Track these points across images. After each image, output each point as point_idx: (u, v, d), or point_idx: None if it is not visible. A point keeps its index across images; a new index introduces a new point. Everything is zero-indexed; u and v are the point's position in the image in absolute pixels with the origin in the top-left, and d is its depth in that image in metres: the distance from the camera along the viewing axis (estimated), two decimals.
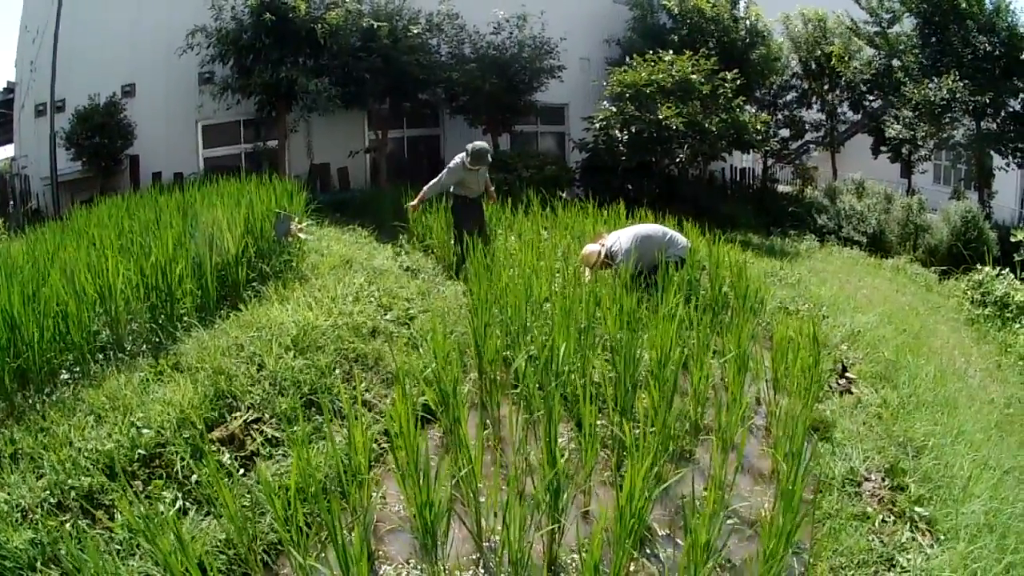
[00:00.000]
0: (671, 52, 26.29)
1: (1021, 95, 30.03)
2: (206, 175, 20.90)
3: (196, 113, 23.86)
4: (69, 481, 6.86)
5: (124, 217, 14.02)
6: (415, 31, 23.71)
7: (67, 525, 6.38)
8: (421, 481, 6.29)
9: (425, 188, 14.69)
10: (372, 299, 11.17)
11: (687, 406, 8.60)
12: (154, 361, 9.00)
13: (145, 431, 7.45)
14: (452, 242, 14.67)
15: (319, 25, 21.84)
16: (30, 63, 24.84)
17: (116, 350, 9.46)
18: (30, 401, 8.37)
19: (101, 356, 9.28)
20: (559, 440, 7.18)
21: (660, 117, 24.28)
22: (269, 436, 7.75)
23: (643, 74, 25.33)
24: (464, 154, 14.73)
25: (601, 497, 6.66)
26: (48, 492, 6.77)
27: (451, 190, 14.86)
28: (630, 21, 31.29)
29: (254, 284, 11.50)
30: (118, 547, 6.14)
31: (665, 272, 11.13)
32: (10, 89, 26.28)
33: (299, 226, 13.56)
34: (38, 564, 6.02)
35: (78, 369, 8.97)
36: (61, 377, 8.84)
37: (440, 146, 28.36)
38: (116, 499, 6.56)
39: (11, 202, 24.34)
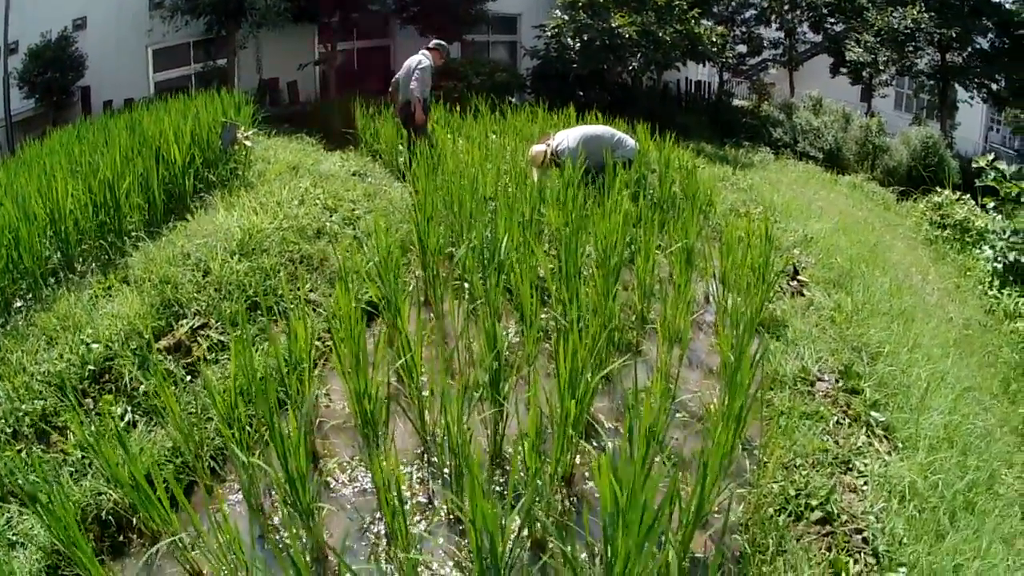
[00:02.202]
0: None
1: (989, 35, 29.89)
2: (157, 97, 20.16)
3: (146, 38, 23.19)
4: (23, 407, 6.68)
5: (74, 144, 13.66)
6: None
7: (22, 453, 6.23)
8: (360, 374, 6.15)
9: (418, 99, 14.27)
10: (317, 202, 10.92)
11: (632, 298, 8.42)
12: (103, 277, 8.79)
13: (94, 347, 7.25)
14: (412, 146, 14.26)
15: None
16: None
17: (67, 272, 9.21)
18: None
19: (52, 280, 9.05)
20: (503, 333, 6.90)
21: (613, 25, 23.99)
22: (215, 341, 7.58)
23: None
24: (429, 52, 14.59)
25: (546, 388, 6.40)
26: (4, 421, 6.60)
27: (420, 96, 14.46)
28: None
29: (201, 194, 11.26)
30: (71, 469, 6.01)
31: (613, 172, 10.94)
32: None
33: (245, 134, 13.23)
34: None
35: (31, 296, 8.77)
36: (15, 306, 8.62)
37: (391, 57, 27.81)
38: (69, 419, 6.40)
39: None
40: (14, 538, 5.50)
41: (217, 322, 7.82)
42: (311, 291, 8.69)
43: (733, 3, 33.72)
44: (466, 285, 8.48)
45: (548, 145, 12.09)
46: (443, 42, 15.30)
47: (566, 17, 25.14)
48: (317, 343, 7.53)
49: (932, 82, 30.88)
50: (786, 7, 33.73)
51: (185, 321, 7.79)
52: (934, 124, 30.91)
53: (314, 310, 8.29)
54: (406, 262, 9.31)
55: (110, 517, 5.60)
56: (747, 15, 34.59)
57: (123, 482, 5.33)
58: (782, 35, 34.98)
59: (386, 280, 7.73)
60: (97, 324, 7.61)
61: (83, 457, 6.07)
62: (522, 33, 30.18)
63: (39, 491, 5.24)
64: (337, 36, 25.29)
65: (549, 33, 25.68)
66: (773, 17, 34.29)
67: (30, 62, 21.55)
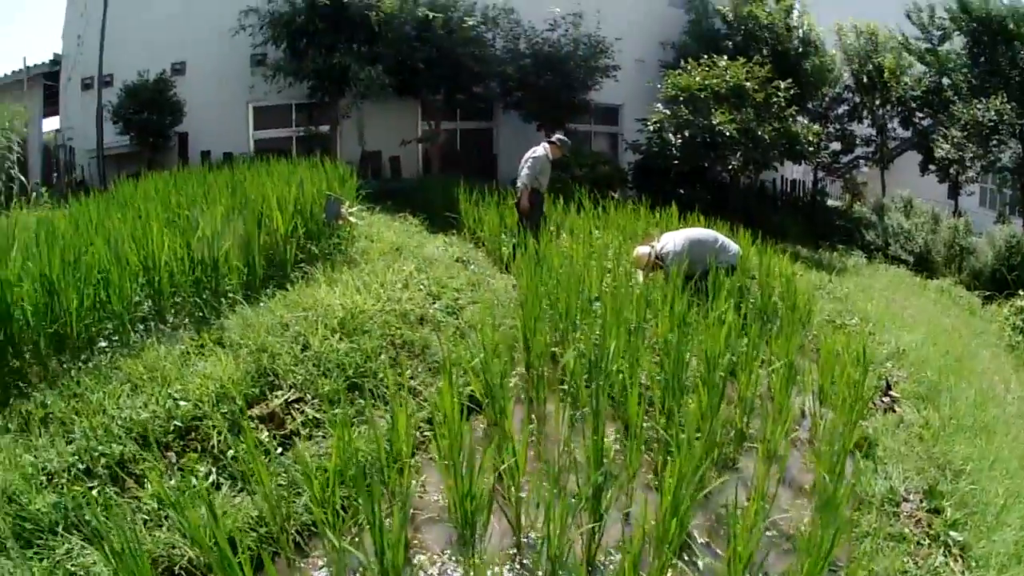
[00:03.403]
0: (725, 58, 26.35)
1: None
2: (256, 156, 20.93)
3: (247, 94, 24.18)
4: (100, 448, 6.88)
5: (172, 191, 14.08)
6: (470, 23, 23.87)
7: (94, 491, 6.41)
8: (464, 471, 6.28)
9: (527, 184, 15.02)
10: (421, 287, 11.18)
11: (733, 413, 8.52)
12: (196, 335, 9.07)
13: (183, 403, 7.47)
14: (518, 233, 14.69)
15: (374, 12, 22.10)
16: (77, 37, 25.06)
17: (157, 321, 9.56)
18: (65, 366, 8.41)
19: (141, 327, 9.35)
20: (596, 440, 7.04)
21: (714, 123, 24.26)
22: (310, 417, 7.80)
23: (697, 78, 25.28)
24: (547, 145, 15.27)
25: (643, 500, 6.48)
26: (77, 457, 6.80)
27: (528, 183, 15.05)
28: (685, 25, 31.29)
29: (302, 265, 11.54)
30: (145, 517, 6.21)
31: (716, 278, 11.07)
32: (56, 62, 26.60)
33: (350, 210, 13.51)
34: (60, 528, 6.07)
35: (117, 338, 8.99)
36: (99, 345, 8.85)
37: (493, 140, 28.54)
38: (147, 469, 6.63)
39: (55, 173, 24.74)
40: (73, 569, 5.71)
41: (313, 398, 8.04)
42: (411, 378, 8.82)
43: (827, 99, 33.78)
44: (571, 390, 8.58)
45: (652, 247, 12.25)
46: (565, 138, 15.93)
47: (668, 112, 25.53)
48: (414, 432, 7.65)
49: (1015, 176, 30.66)
50: (877, 102, 33.76)
51: (280, 393, 8.03)
52: (1017, 220, 30.78)
53: (414, 398, 8.43)
54: (510, 358, 9.37)
55: (181, 572, 5.79)
56: (840, 111, 34.64)
57: (202, 542, 5.47)
58: (873, 132, 34.85)
59: (492, 379, 7.87)
60: (187, 381, 7.81)
61: (159, 508, 6.24)
62: (623, 124, 30.82)
63: (108, 531, 5.46)
64: (441, 115, 25.91)
65: (651, 128, 26.14)
66: (865, 113, 34.31)
67: (126, 99, 22.41)
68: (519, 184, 15.28)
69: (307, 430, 7.64)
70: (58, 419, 7.40)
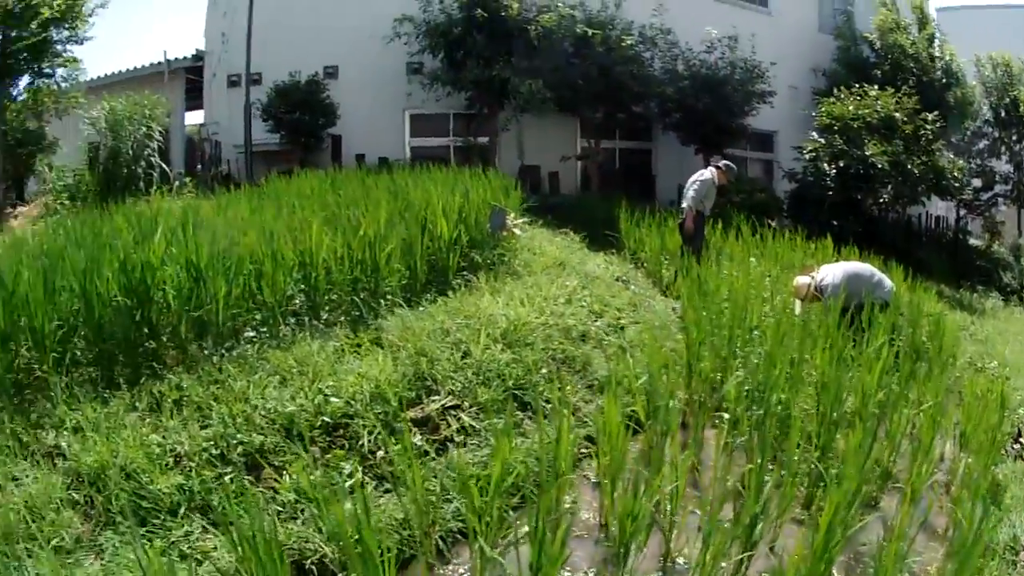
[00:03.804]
0: (876, 87, 25.95)
1: None
2: (412, 163, 21.27)
3: (404, 101, 24.47)
4: (239, 436, 6.91)
5: (327, 192, 14.24)
6: (628, 42, 23.72)
7: (227, 478, 6.48)
8: (627, 490, 6.17)
9: (692, 206, 14.95)
10: (583, 304, 11.15)
11: (882, 453, 8.21)
12: (352, 333, 9.18)
13: (334, 400, 7.50)
14: (681, 256, 14.54)
15: (532, 26, 22.20)
16: (221, 35, 25.79)
17: (311, 317, 9.67)
18: (206, 352, 8.50)
19: (293, 320, 9.50)
20: (750, 470, 6.88)
21: (867, 154, 24.00)
22: (465, 424, 7.74)
23: (850, 107, 25.07)
24: (714, 169, 15.31)
25: (790, 534, 6.60)
26: (212, 443, 6.85)
27: (693, 205, 14.98)
28: (835, 52, 31.06)
29: (463, 272, 11.58)
30: (279, 508, 6.27)
31: (871, 313, 10.88)
32: (199, 57, 27.31)
33: (514, 221, 13.52)
34: (182, 510, 6.21)
35: (265, 330, 9.07)
36: (245, 334, 8.93)
37: (651, 161, 28.35)
38: (290, 461, 6.64)
39: (199, 165, 25.37)
40: (189, 551, 5.79)
41: (471, 406, 7.97)
42: (571, 394, 8.65)
43: (968, 133, 32.90)
44: (726, 416, 8.31)
45: (812, 277, 12.09)
46: (731, 164, 15.94)
47: (822, 141, 25.25)
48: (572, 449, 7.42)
49: None
50: (1014, 137, 32.78)
51: (437, 398, 7.98)
52: None
53: (573, 414, 8.16)
54: (676, 382, 9.16)
55: (313, 567, 5.78)
56: (980, 146, 33.61)
57: (344, 539, 5.34)
58: (1011, 169, 33.63)
59: (657, 400, 7.77)
60: (340, 378, 7.84)
61: (296, 501, 6.23)
62: (778, 151, 30.54)
63: (239, 518, 5.41)
64: (600, 133, 25.83)
65: (807, 156, 25.77)
66: (1003, 149, 33.27)
67: (276, 98, 22.98)
68: (684, 206, 15.22)
69: (461, 437, 7.61)
70: (194, 403, 7.47)
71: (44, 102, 23.10)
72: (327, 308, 9.93)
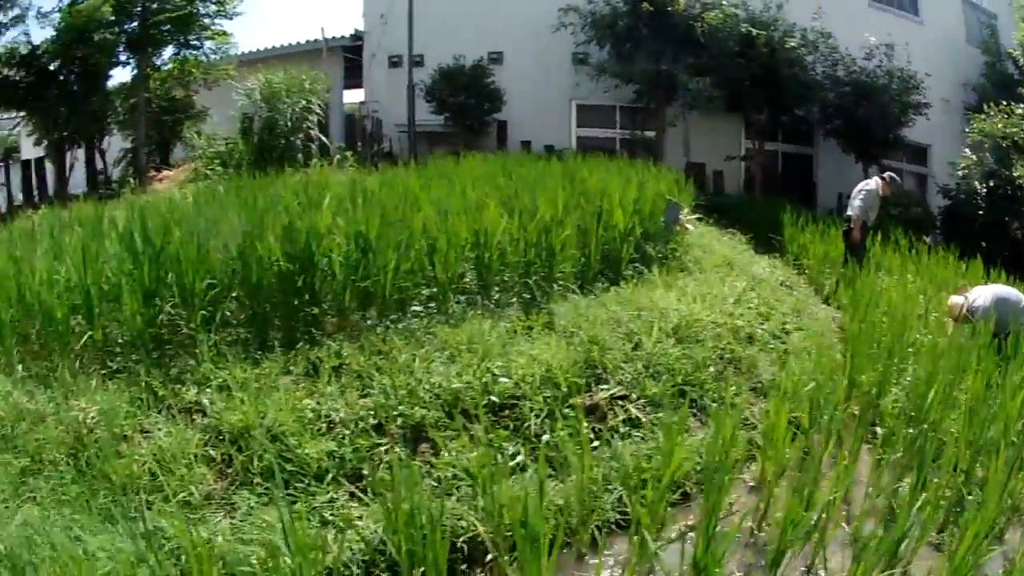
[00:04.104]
0: (1022, 106, 24.99)
1: None
2: (578, 152, 20.94)
3: (571, 91, 24.61)
4: (400, 408, 6.97)
5: (498, 175, 14.31)
6: (792, 44, 23.56)
7: (381, 448, 6.66)
8: (787, 496, 6.24)
9: (856, 217, 14.86)
10: (751, 306, 11.11)
11: (1016, 484, 7.89)
12: (524, 316, 9.27)
13: (503, 380, 7.53)
14: (844, 265, 14.58)
15: (698, 23, 22.08)
16: (380, 16, 26.41)
17: (481, 296, 9.79)
18: (369, 322, 8.61)
19: (462, 298, 9.61)
20: (898, 488, 7.15)
21: (1015, 175, 23.26)
22: (632, 416, 7.70)
23: (998, 125, 24.28)
24: (879, 180, 15.18)
25: (925, 556, 6.47)
26: (370, 412, 6.94)
27: (859, 215, 14.85)
28: (982, 66, 30.09)
29: (635, 264, 11.60)
30: (435, 483, 6.35)
31: (1016, 339, 10.54)
32: (358, 37, 27.85)
33: (687, 217, 13.50)
34: (329, 476, 6.38)
35: (433, 305, 9.18)
36: (412, 308, 9.04)
37: (812, 167, 28.01)
38: (450, 437, 6.71)
39: (359, 141, 25.78)
40: (331, 518, 5.94)
41: (638, 398, 7.94)
42: (736, 395, 8.48)
43: None
44: (887, 434, 8.18)
45: (965, 298, 11.90)
46: (895, 176, 15.83)
47: (974, 158, 24.57)
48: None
49: None
50: None
51: (606, 387, 7.96)
52: None
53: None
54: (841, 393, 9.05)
55: (464, 546, 5.81)
56: None
57: (509, 521, 5.43)
58: None
59: (822, 411, 7.83)
60: (511, 359, 7.88)
61: (453, 478, 6.28)
62: (931, 165, 29.81)
63: (393, 489, 5.44)
64: (763, 135, 25.68)
65: (959, 173, 24.97)
66: None
67: (441, 81, 23.37)
68: (850, 215, 15.12)
69: (626, 428, 7.57)
70: (354, 371, 7.59)
71: (191, 72, 23.99)
72: (498, 289, 10.01)
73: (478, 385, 7.40)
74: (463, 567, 5.78)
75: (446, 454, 6.63)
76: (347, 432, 6.79)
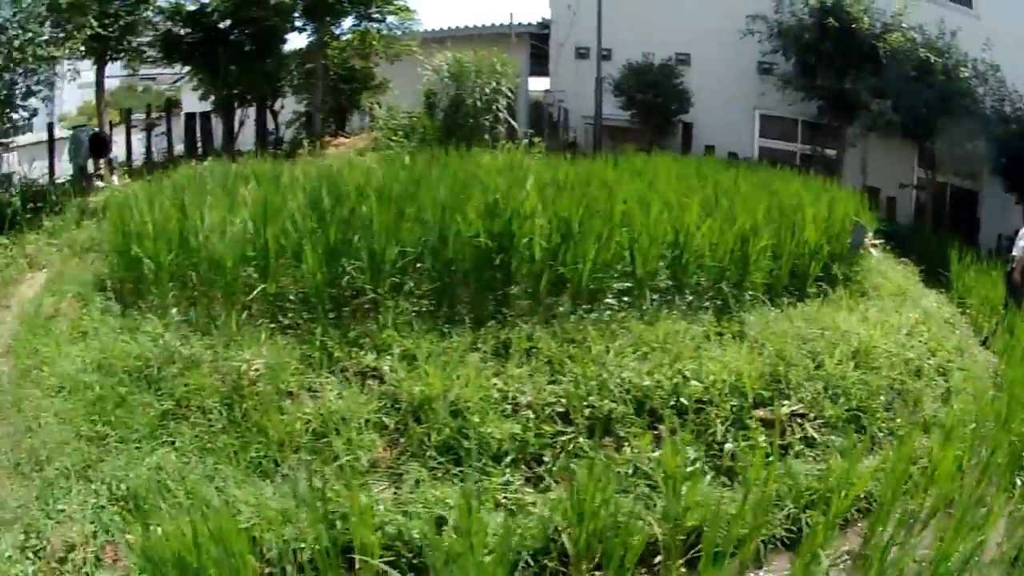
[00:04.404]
0: None
1: None
2: (759, 162, 21.18)
3: (755, 100, 24.38)
4: (590, 399, 7.08)
5: (692, 177, 14.30)
6: (965, 75, 22.85)
7: (565, 437, 6.86)
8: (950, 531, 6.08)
9: (1020, 256, 14.31)
10: (922, 339, 10.72)
11: None
12: (716, 321, 9.29)
13: (694, 383, 7.58)
14: (1006, 307, 14.01)
15: (881, 44, 21.71)
16: (568, 6, 26.24)
17: (674, 296, 9.72)
18: (561, 309, 8.72)
19: (656, 296, 9.54)
20: None
21: None
22: (808, 435, 7.73)
23: None
24: None
25: None
26: (559, 400, 7.08)
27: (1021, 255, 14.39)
28: None
29: (819, 282, 11.47)
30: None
31: None
32: (545, 25, 28.03)
33: (871, 241, 13.41)
34: (508, 459, 6.60)
35: (628, 299, 9.18)
36: (606, 300, 9.07)
37: (976, 204, 26.76)
38: (634, 434, 6.87)
39: (544, 129, 25.82)
40: (504, 500, 6.19)
41: (815, 418, 7.95)
42: (902, 428, 8.46)
43: None
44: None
45: None
46: None
47: None
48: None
49: None
50: None
51: (787, 403, 7.98)
52: None
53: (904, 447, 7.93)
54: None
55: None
56: None
57: (680, 522, 5.57)
58: None
59: (977, 450, 7.80)
60: (702, 363, 7.93)
61: (632, 474, 6.42)
62: None
63: (578, 478, 5.66)
64: (934, 165, 24.87)
65: None
66: None
67: (629, 76, 23.38)
68: (1014, 255, 14.54)
69: (801, 446, 7.61)
70: (544, 357, 7.72)
71: (372, 45, 24.12)
72: (691, 291, 9.97)
73: (668, 385, 7.50)
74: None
75: (628, 451, 6.75)
76: (532, 417, 6.93)
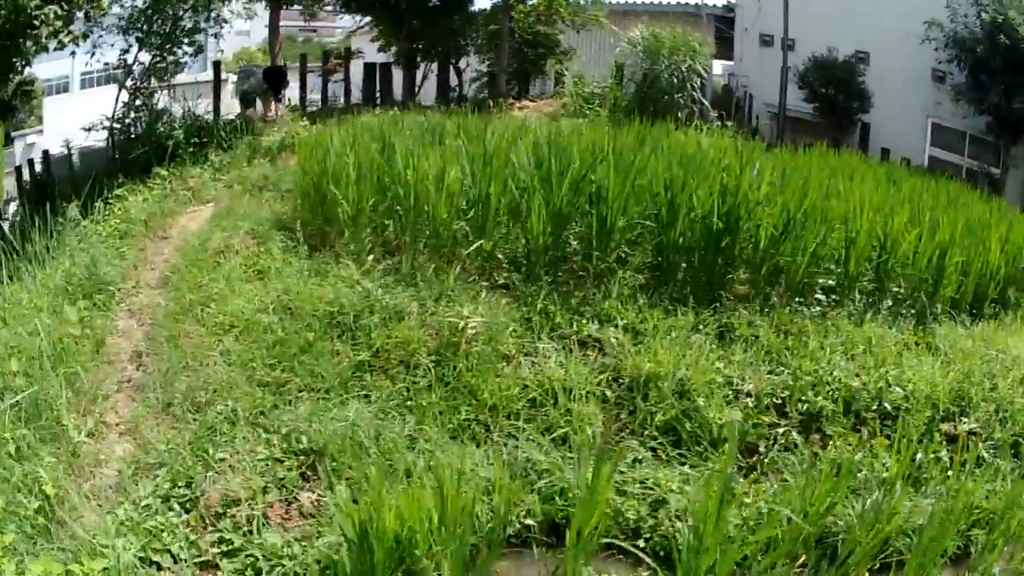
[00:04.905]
0: None
1: None
2: (931, 172, 20.58)
3: (930, 108, 23.87)
4: (804, 396, 7.38)
5: (882, 180, 14.40)
6: None
7: (779, 429, 7.03)
8: None
9: None
10: None
11: None
12: (913, 330, 9.31)
13: (896, 390, 7.74)
14: None
15: None
16: None
17: (877, 300, 9.79)
18: (774, 300, 8.91)
19: (860, 297, 9.65)
20: None
21: None
22: (980, 455, 7.60)
23: None
24: None
25: None
26: (777, 391, 7.38)
27: None
28: None
29: (994, 303, 11.25)
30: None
31: None
32: (730, 8, 28.05)
33: None
34: (726, 446, 6.41)
35: (835, 297, 9.33)
36: (815, 295, 9.21)
37: None
38: (839, 434, 7.17)
39: (728, 113, 25.72)
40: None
41: (986, 439, 7.92)
42: None
43: None
44: None
45: None
46: None
47: None
48: None
49: None
50: None
51: (966, 421, 8.01)
52: None
53: None
54: None
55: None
56: None
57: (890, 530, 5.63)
58: None
59: None
60: (904, 368, 8.16)
61: (832, 474, 6.20)
62: None
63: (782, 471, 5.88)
64: None
65: None
66: None
67: (813, 70, 23.42)
68: None
69: (969, 466, 7.36)
70: (762, 346, 7.93)
71: (558, 11, 23.94)
72: (891, 297, 10.01)
73: (873, 389, 7.57)
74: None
75: (832, 450, 6.88)
76: (751, 404, 7.10)
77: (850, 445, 6.97)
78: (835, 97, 23.22)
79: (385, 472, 5.90)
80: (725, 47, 28.10)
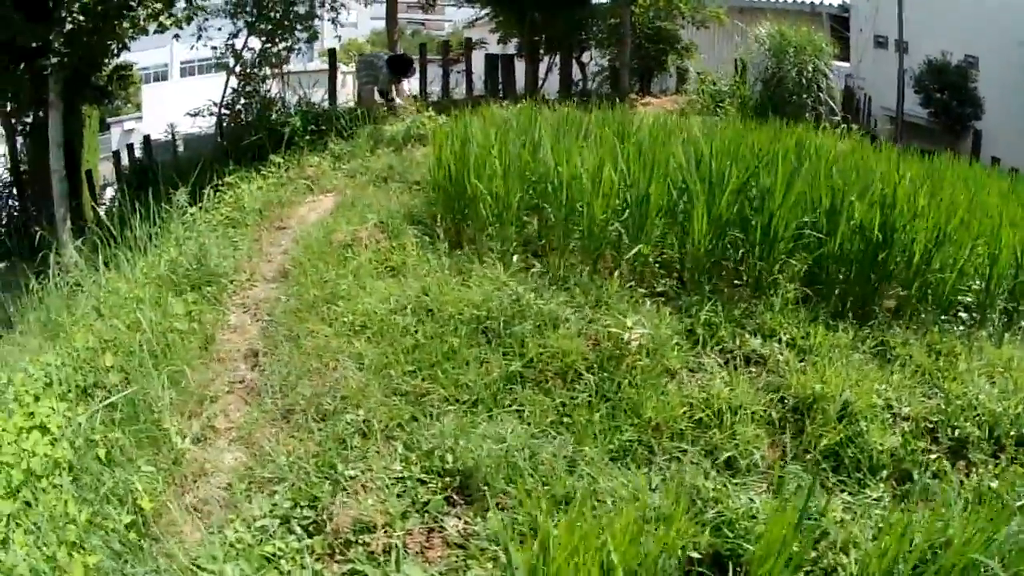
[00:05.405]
0: None
1: None
2: None
3: None
4: (959, 418, 7.27)
5: (1009, 191, 13.86)
6: None
7: (931, 455, 6.85)
8: None
9: None
10: None
11: None
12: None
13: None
14: None
15: None
16: None
17: (1013, 320, 9.46)
18: (921, 317, 8.82)
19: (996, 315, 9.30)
20: None
21: None
22: None
23: None
24: None
25: None
26: (933, 415, 7.29)
27: None
28: None
29: None
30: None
31: None
32: (845, 8, 28.26)
33: None
34: (884, 472, 6.62)
35: (976, 314, 9.17)
36: (958, 313, 9.14)
37: None
38: (982, 461, 6.98)
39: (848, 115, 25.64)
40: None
41: None
42: None
43: None
44: None
45: None
46: None
47: None
48: None
49: None
50: None
51: None
52: None
53: None
54: None
55: None
56: None
57: None
58: None
59: None
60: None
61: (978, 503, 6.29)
62: None
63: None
64: None
65: None
66: None
67: (928, 73, 23.61)
68: None
69: None
70: (915, 366, 7.89)
71: (678, 6, 24.20)
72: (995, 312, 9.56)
73: (1012, 414, 7.32)
74: None
75: (975, 478, 6.70)
76: (910, 428, 7.00)
77: (993, 474, 6.81)
78: (949, 102, 23.29)
79: (548, 500, 5.67)
80: (841, 47, 27.66)
